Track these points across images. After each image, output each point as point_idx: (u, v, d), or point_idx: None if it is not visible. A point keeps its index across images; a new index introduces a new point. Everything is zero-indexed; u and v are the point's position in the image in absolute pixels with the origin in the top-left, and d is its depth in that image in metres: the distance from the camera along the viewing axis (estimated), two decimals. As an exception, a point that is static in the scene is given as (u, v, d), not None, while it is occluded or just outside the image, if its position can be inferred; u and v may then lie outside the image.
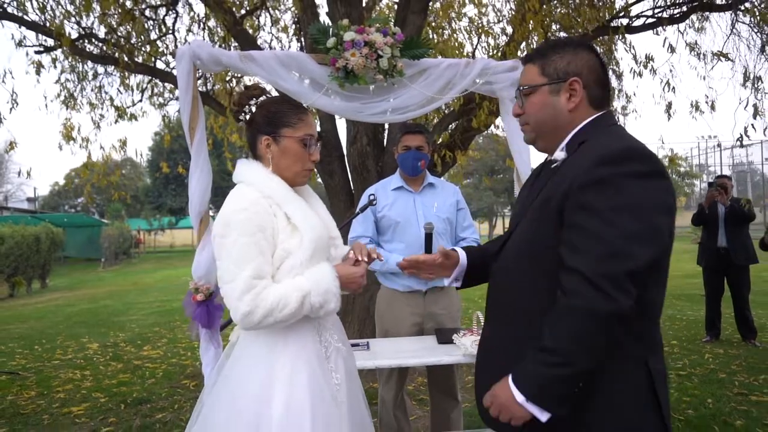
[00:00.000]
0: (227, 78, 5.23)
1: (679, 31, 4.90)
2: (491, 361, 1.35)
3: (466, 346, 2.19)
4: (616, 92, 6.54)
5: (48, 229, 15.43)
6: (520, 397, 1.13)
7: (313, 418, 1.38)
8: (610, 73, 6.35)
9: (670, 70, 5.36)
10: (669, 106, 5.26)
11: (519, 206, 1.42)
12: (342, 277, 1.50)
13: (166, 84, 5.49)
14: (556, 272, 1.16)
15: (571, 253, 1.13)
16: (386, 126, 4.22)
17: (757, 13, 3.94)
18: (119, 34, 4.70)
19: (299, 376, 1.42)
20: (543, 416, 1.12)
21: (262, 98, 1.62)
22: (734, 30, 4.23)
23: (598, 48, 6.07)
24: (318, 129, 4.61)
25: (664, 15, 4.27)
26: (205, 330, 2.64)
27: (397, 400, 2.71)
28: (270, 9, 6.09)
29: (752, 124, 4.00)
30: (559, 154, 1.28)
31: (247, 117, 1.60)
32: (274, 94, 1.66)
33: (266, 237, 1.43)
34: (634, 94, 6.50)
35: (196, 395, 3.85)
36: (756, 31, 4.21)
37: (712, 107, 5.16)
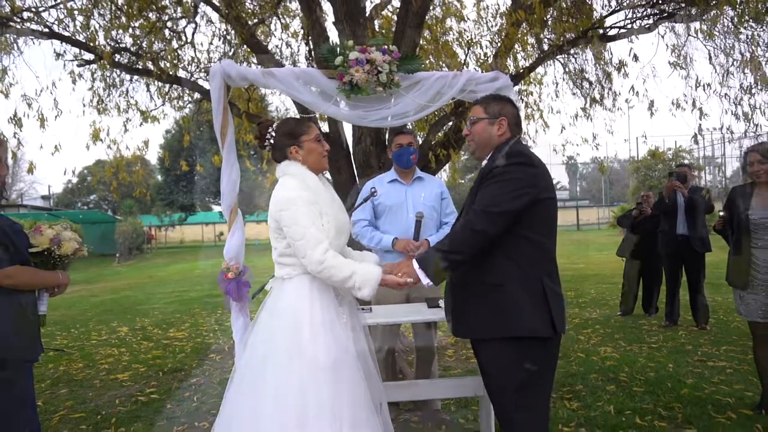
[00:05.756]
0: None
1: (659, 34, 5.40)
2: (451, 299, 2.05)
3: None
4: (606, 91, 7.07)
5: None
6: (424, 279, 1.93)
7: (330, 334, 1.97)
8: (601, 73, 6.89)
9: (652, 70, 5.87)
10: (651, 104, 5.74)
11: (468, 198, 2.06)
12: (384, 277, 2.01)
13: (186, 90, 6.04)
14: None
15: (478, 201, 1.91)
16: (387, 128, 4.74)
17: (705, 26, 4.42)
18: (144, 45, 5.23)
19: (317, 309, 1.99)
20: (426, 281, 1.93)
21: (274, 125, 2.20)
22: (686, 42, 4.72)
23: (586, 52, 6.61)
24: (326, 130, 5.14)
25: (635, 26, 4.75)
26: (235, 303, 3.19)
27: (388, 360, 3.33)
28: (280, 16, 6.61)
29: (700, 125, 4.52)
30: (485, 160, 2.02)
31: (272, 141, 2.17)
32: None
33: (316, 209, 2.01)
34: (619, 93, 7.00)
35: (224, 366, 4.44)
36: (705, 42, 4.69)
37: (693, 104, 5.64)
